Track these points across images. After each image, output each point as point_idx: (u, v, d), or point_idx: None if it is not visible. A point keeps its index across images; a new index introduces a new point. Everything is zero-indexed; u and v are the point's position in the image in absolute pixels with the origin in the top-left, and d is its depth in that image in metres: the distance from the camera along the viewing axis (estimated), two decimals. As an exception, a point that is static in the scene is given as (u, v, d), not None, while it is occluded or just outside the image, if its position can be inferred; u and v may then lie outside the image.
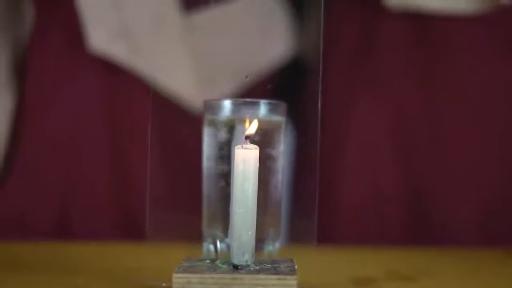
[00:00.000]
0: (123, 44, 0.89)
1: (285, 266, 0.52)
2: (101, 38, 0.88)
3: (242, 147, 0.52)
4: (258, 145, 0.52)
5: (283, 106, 0.59)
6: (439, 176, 0.90)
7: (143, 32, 0.89)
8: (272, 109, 0.58)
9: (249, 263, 0.51)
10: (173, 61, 0.90)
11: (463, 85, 0.91)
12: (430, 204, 0.90)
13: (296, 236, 0.66)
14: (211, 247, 0.57)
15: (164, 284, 0.54)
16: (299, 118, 0.74)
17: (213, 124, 0.58)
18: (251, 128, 0.54)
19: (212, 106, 0.58)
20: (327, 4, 0.61)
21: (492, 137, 0.91)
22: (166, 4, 0.90)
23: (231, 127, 0.57)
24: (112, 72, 0.90)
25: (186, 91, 0.90)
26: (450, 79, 0.91)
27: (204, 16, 0.91)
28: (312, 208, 0.57)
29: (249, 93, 0.90)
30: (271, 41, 0.95)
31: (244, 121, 0.56)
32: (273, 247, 0.58)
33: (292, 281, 0.49)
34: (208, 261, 0.54)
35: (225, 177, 0.56)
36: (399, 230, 0.89)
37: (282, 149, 0.59)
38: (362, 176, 0.91)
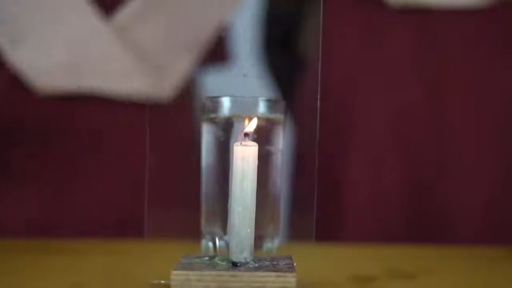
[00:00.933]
0: (72, 75, 0.88)
1: (284, 263, 0.52)
2: (51, 79, 0.88)
3: (241, 144, 0.51)
4: (257, 142, 0.52)
5: (282, 103, 0.59)
6: (442, 173, 0.90)
7: (85, 58, 0.89)
8: (271, 107, 0.58)
9: (248, 260, 0.51)
10: (117, 67, 0.89)
11: (466, 79, 0.91)
12: (432, 202, 0.90)
13: (295, 233, 0.66)
14: (210, 244, 0.57)
15: (162, 282, 0.54)
16: (298, 115, 0.74)
17: (212, 121, 0.58)
18: (251, 125, 0.54)
19: (211, 104, 0.58)
20: None
21: (495, 133, 0.91)
22: (86, 19, 0.89)
23: (230, 124, 0.57)
24: None
25: (142, 89, 0.89)
26: (453, 73, 0.91)
27: (128, 10, 0.90)
28: (311, 205, 0.57)
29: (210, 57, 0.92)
30: None
31: (244, 119, 0.56)
32: (272, 244, 0.58)
33: (291, 278, 0.49)
34: (206, 258, 0.54)
35: (224, 174, 0.56)
36: (400, 228, 0.89)
37: (281, 146, 0.59)
38: (363, 173, 0.91)
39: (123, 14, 0.90)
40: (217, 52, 0.98)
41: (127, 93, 0.89)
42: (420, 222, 0.90)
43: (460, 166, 0.91)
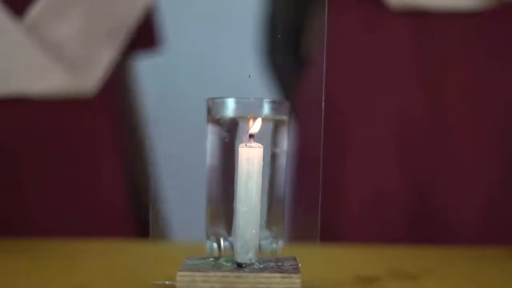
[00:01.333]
0: None
1: (289, 264, 0.52)
2: None
3: (246, 145, 0.52)
4: (262, 144, 0.52)
5: (286, 104, 0.59)
6: (442, 174, 0.90)
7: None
8: (275, 108, 0.58)
9: (253, 261, 0.51)
10: (34, 66, 0.88)
11: (465, 81, 0.91)
12: (433, 203, 0.90)
13: (299, 234, 0.66)
14: (214, 245, 0.57)
15: (167, 282, 0.54)
16: (302, 116, 0.74)
17: (217, 122, 0.58)
18: (255, 126, 0.54)
19: (215, 104, 0.58)
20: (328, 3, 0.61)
21: (494, 134, 0.91)
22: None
23: (234, 125, 0.57)
24: None
25: (63, 85, 0.88)
26: (452, 75, 0.91)
27: (40, 6, 0.88)
28: (315, 206, 0.57)
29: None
30: None
31: (248, 120, 0.56)
32: (276, 245, 0.58)
33: (296, 279, 0.49)
34: (211, 259, 0.54)
35: (228, 175, 0.56)
36: (402, 229, 0.89)
37: (286, 147, 0.59)
38: (366, 174, 0.91)
39: (35, 11, 0.88)
40: (145, 37, 0.97)
41: (49, 92, 0.88)
42: (421, 224, 0.90)
43: (459, 167, 0.91)
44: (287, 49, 1.05)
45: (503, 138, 0.91)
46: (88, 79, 0.89)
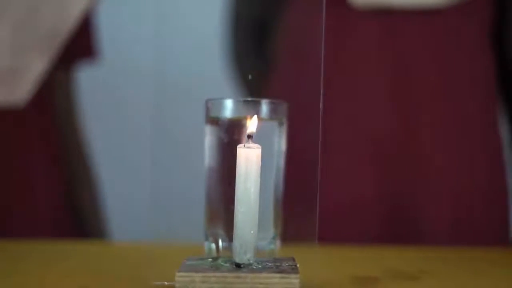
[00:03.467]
0: None
1: (287, 264, 0.52)
2: None
3: (244, 146, 0.52)
4: (266, 144, 0.52)
5: (284, 105, 0.59)
6: (416, 178, 0.90)
7: None
8: (273, 108, 0.58)
9: (251, 261, 0.51)
10: None
11: (435, 81, 0.91)
12: (407, 206, 0.90)
13: (297, 234, 0.66)
14: (213, 246, 0.57)
15: (166, 283, 0.54)
16: (299, 116, 0.74)
17: (215, 123, 0.58)
18: (252, 125, 0.54)
19: (213, 105, 0.58)
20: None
21: (462, 137, 0.91)
22: None
23: (232, 126, 0.57)
24: None
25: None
26: (421, 77, 0.90)
27: None
28: (313, 207, 0.57)
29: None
30: None
31: (246, 119, 0.56)
32: (274, 245, 0.58)
33: (295, 279, 0.49)
34: (210, 259, 0.54)
35: (227, 175, 0.56)
36: (378, 230, 0.89)
37: (283, 147, 0.59)
38: (342, 180, 0.90)
39: None
40: (81, 48, 0.95)
41: None
42: (399, 225, 0.90)
43: (429, 168, 0.90)
44: (253, 51, 1.04)
45: (470, 140, 0.91)
46: (17, 90, 0.88)
